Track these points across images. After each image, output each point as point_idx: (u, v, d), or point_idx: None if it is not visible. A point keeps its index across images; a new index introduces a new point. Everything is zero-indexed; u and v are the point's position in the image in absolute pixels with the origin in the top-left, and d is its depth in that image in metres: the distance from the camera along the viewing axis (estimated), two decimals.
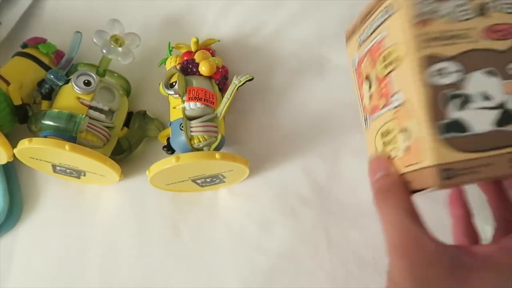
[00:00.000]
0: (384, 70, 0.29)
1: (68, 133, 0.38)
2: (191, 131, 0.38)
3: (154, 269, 0.41)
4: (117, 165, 0.39)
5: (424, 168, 0.26)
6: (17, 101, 0.39)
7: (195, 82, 0.40)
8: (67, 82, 0.40)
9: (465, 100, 0.27)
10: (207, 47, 0.44)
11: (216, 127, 0.39)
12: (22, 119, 0.40)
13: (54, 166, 0.40)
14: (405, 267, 0.25)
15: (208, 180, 0.40)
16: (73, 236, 0.42)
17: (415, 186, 0.27)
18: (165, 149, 0.41)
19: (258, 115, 0.44)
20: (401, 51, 0.27)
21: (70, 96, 0.39)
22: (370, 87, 0.30)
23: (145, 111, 0.43)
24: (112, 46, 0.41)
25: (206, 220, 0.42)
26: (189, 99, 0.39)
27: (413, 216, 0.26)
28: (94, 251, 0.41)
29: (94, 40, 0.41)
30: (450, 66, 0.27)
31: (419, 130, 0.27)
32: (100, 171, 0.39)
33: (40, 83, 0.40)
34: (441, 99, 0.27)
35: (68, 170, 0.40)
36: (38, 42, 0.42)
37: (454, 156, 0.26)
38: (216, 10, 0.48)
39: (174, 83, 0.39)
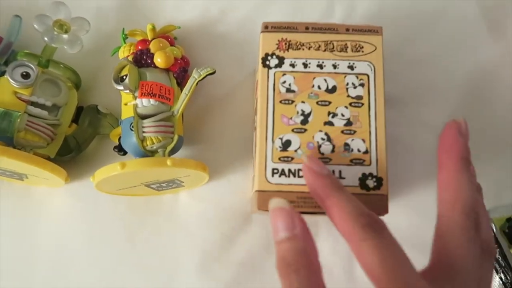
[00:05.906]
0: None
1: (2, 133, 0.33)
2: (143, 132, 0.34)
3: (106, 282, 0.37)
4: (59, 168, 0.35)
5: None
6: None
7: (150, 75, 0.35)
8: (3, 73, 0.35)
9: None
10: (165, 34, 0.39)
11: (172, 126, 0.35)
12: None
13: None
14: None
15: (164, 185, 0.36)
16: (17, 244, 0.38)
17: None
18: (116, 149, 0.37)
19: (222, 112, 0.40)
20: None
21: (6, 90, 0.34)
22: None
23: (97, 106, 0.38)
24: (56, 32, 0.36)
25: (165, 227, 0.38)
26: (141, 95, 0.34)
27: None
28: (40, 261, 0.37)
29: (35, 26, 0.36)
30: None
31: None
32: (42, 175, 0.35)
33: None
34: None
35: (7, 173, 0.36)
36: None
37: None
38: None
39: (124, 77, 0.35)
